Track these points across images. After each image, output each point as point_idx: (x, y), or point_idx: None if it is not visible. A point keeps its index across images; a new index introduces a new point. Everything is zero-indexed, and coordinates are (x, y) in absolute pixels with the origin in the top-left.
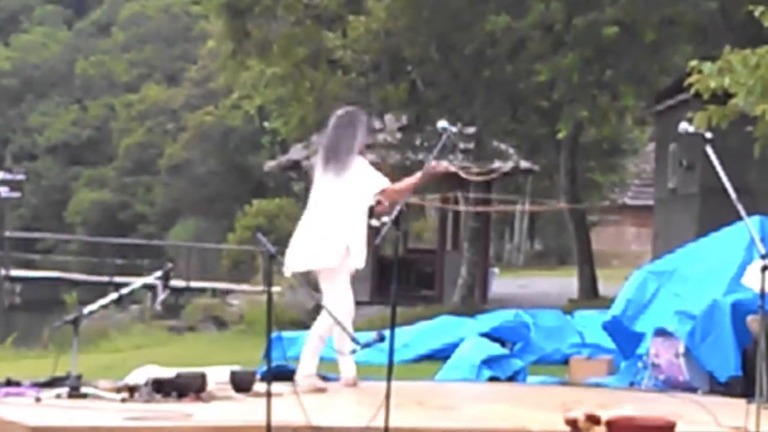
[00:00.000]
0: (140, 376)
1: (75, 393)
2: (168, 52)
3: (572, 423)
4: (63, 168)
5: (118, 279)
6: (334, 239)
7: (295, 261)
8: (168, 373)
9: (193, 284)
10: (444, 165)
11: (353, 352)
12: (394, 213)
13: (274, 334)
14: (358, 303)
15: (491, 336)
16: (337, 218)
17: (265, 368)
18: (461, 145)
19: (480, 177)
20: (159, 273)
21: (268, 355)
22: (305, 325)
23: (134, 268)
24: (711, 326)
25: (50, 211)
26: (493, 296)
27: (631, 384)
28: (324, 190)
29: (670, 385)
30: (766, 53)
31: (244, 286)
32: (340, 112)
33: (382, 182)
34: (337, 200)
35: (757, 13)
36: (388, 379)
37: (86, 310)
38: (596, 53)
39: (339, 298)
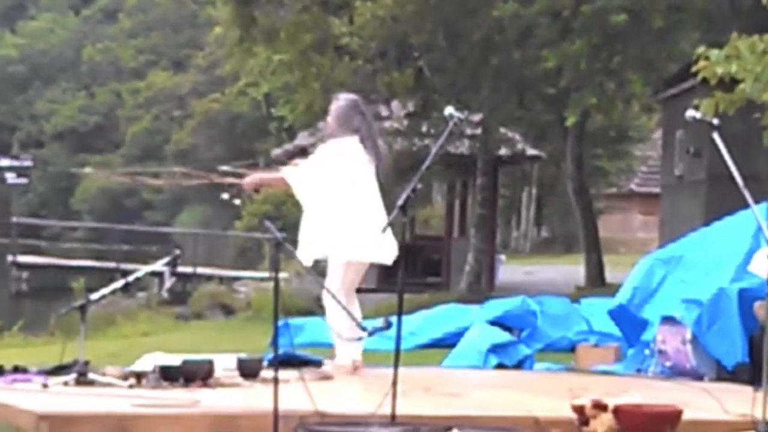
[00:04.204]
0: (147, 362)
1: (82, 380)
2: (175, 39)
3: (579, 410)
4: (70, 155)
5: (124, 266)
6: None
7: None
8: (175, 359)
9: (200, 271)
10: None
11: (360, 339)
12: (402, 199)
13: (281, 321)
14: (365, 290)
15: (498, 323)
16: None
17: (272, 355)
18: (468, 132)
19: None
20: (166, 260)
21: (275, 342)
22: (312, 312)
23: (141, 255)
24: (718, 313)
25: (57, 198)
26: (499, 283)
27: (638, 371)
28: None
29: (676, 372)
30: None
31: (251, 273)
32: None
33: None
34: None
35: (764, 0)
36: (395, 366)
37: (93, 296)
38: (604, 40)
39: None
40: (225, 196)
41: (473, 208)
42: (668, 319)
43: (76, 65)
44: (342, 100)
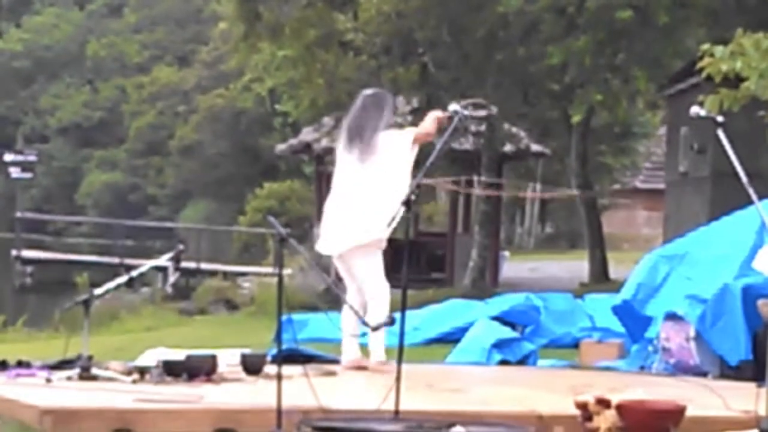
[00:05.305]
0: (151, 357)
1: (86, 374)
2: (179, 34)
3: (582, 406)
4: (74, 149)
5: (128, 261)
6: (361, 221)
7: (327, 245)
8: (178, 355)
9: (204, 266)
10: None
11: (363, 334)
12: (406, 195)
13: (284, 317)
14: None
15: (502, 319)
16: (360, 201)
17: (275, 351)
18: (472, 128)
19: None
20: (170, 255)
21: (278, 338)
22: (316, 308)
23: (145, 250)
24: (722, 310)
25: (61, 193)
26: (503, 279)
27: (642, 368)
28: (347, 172)
29: (680, 369)
30: None
31: (255, 269)
32: (368, 92)
33: (409, 135)
34: (360, 184)
35: None
36: (399, 362)
37: (97, 291)
38: (609, 36)
39: (376, 278)
40: None
41: (477, 205)
42: (672, 316)
43: (80, 60)
44: None
